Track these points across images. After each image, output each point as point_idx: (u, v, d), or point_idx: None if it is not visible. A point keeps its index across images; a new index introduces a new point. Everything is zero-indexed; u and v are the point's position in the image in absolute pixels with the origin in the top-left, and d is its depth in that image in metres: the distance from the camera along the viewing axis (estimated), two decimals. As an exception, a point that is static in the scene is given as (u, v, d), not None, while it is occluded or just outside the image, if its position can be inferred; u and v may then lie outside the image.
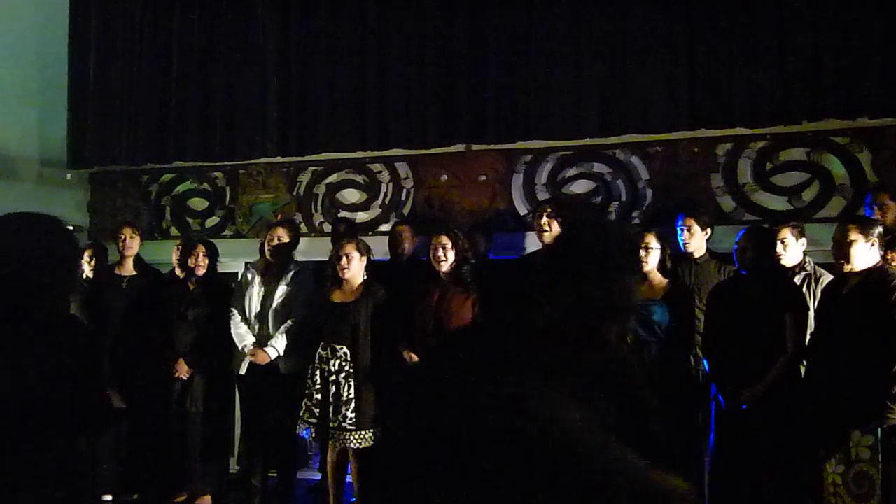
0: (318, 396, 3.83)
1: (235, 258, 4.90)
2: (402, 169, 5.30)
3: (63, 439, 1.72)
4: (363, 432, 3.75)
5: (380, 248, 4.64)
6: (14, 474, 1.62)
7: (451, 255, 3.75)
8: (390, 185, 5.33)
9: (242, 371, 4.16)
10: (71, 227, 2.03)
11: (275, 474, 4.31)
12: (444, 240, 3.77)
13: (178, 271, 4.59)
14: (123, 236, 4.56)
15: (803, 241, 3.87)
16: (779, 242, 3.78)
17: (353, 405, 3.74)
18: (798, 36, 4.40)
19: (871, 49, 4.27)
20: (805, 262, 3.87)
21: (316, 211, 5.48)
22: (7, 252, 1.74)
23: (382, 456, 1.87)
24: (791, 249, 3.82)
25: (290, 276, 4.20)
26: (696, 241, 4.02)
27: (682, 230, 4.03)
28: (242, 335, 4.15)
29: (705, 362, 3.60)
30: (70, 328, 1.81)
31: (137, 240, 4.61)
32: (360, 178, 5.40)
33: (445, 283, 3.77)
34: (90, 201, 5.96)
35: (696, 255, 4.02)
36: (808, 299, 3.64)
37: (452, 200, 5.16)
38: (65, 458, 1.71)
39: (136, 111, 5.62)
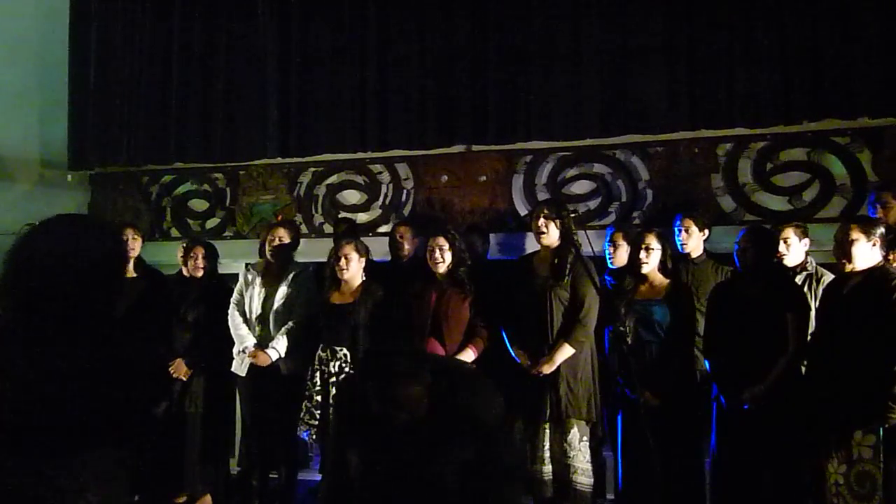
0: (319, 398, 3.82)
1: (236, 259, 4.89)
2: (403, 170, 5.30)
3: (98, 448, 1.70)
4: (364, 433, 3.74)
5: (380, 248, 4.64)
6: (44, 480, 1.61)
7: (448, 257, 3.75)
8: (390, 185, 5.33)
9: (243, 372, 4.16)
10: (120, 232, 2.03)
11: (275, 475, 4.31)
12: (441, 241, 3.76)
13: (184, 271, 4.57)
14: (125, 237, 4.55)
15: (806, 241, 3.88)
16: (782, 242, 3.78)
17: (353, 406, 3.74)
18: (798, 36, 4.41)
19: (871, 49, 4.28)
20: (807, 262, 3.87)
21: (316, 212, 5.48)
22: (57, 257, 1.72)
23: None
24: (794, 249, 3.83)
25: (290, 277, 4.19)
26: (693, 241, 4.02)
27: (679, 231, 4.03)
28: (243, 336, 4.15)
29: (706, 362, 3.60)
30: (117, 336, 1.79)
31: (139, 241, 4.60)
32: (360, 179, 5.41)
33: (443, 283, 3.76)
34: (91, 202, 5.96)
35: (694, 255, 4.02)
36: (809, 299, 3.64)
37: (453, 201, 5.16)
38: (99, 466, 1.70)
39: (137, 112, 5.62)
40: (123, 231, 4.58)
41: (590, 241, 3.68)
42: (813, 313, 3.43)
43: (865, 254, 3.07)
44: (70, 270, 1.69)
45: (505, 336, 3.70)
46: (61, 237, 1.74)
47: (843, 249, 3.10)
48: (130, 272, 4.55)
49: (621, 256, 3.96)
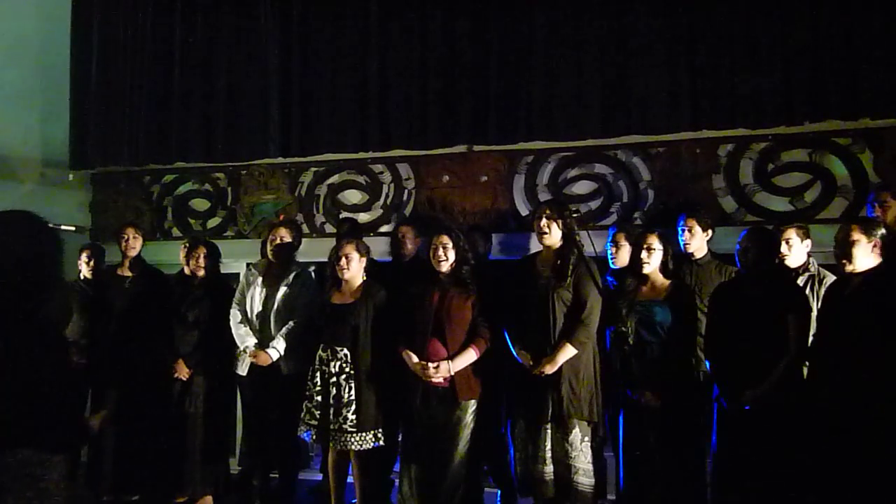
0: (319, 398, 3.81)
1: (237, 259, 4.90)
2: (404, 170, 5.31)
3: (27, 451, 1.68)
4: (364, 434, 3.73)
5: (381, 248, 4.64)
6: None
7: (452, 256, 3.75)
8: (392, 185, 5.33)
9: (244, 372, 4.16)
10: (52, 225, 1.96)
11: (276, 475, 4.31)
12: (445, 240, 3.76)
13: (186, 271, 4.57)
14: (126, 236, 4.57)
15: (808, 242, 3.88)
16: (783, 243, 3.78)
17: (353, 407, 3.73)
18: (799, 37, 4.41)
19: (873, 50, 4.28)
20: (809, 263, 3.87)
21: (317, 212, 5.49)
22: None
23: None
24: (795, 250, 3.83)
25: (291, 277, 4.19)
26: (696, 241, 4.01)
27: (683, 231, 4.03)
28: (244, 336, 4.14)
29: (707, 363, 3.59)
30: (45, 339, 1.75)
31: (140, 240, 4.62)
32: (361, 179, 5.41)
33: (445, 283, 3.76)
34: (92, 202, 5.98)
35: (697, 255, 4.02)
36: (811, 300, 3.64)
37: (454, 201, 5.16)
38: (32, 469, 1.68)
39: (138, 112, 5.63)
40: (125, 230, 4.61)
41: (592, 242, 3.68)
42: (814, 314, 3.43)
43: (866, 255, 3.07)
44: None
45: (507, 336, 3.70)
46: None
47: (844, 250, 3.09)
48: (132, 271, 4.57)
49: (623, 257, 3.96)
